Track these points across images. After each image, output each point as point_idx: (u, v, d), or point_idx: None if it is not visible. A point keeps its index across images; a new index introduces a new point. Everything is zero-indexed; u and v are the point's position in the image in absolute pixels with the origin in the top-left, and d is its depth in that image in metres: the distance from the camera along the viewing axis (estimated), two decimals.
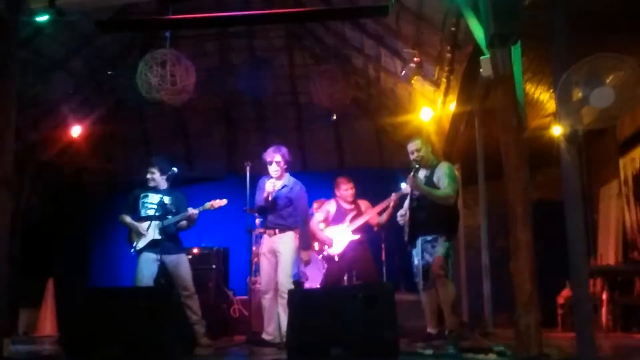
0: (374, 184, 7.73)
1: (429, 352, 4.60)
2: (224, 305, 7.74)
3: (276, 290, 5.70)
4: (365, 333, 4.06)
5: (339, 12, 7.35)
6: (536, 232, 4.01)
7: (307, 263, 6.25)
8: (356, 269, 6.98)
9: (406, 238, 5.77)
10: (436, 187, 5.57)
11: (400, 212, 5.95)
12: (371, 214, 6.79)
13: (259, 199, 5.94)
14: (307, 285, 7.49)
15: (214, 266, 7.73)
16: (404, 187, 6.12)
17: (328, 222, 6.92)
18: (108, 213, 9.28)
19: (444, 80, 7.07)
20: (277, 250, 5.76)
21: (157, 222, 5.97)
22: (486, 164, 7.35)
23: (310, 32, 9.18)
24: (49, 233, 9.58)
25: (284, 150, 5.92)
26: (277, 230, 5.83)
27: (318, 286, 7.33)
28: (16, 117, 5.06)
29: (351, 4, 7.48)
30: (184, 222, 6.06)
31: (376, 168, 10.18)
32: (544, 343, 3.97)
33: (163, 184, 6.19)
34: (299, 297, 4.63)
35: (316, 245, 7.66)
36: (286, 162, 5.89)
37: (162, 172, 6.15)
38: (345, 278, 7.16)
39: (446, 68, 6.79)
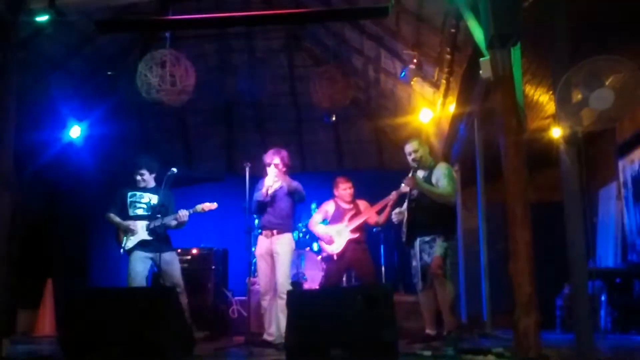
0: (373, 185, 7.74)
1: (428, 353, 4.60)
2: (223, 306, 7.75)
3: (275, 291, 5.70)
4: (364, 334, 4.06)
5: (338, 13, 7.35)
6: (535, 233, 4.01)
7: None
8: (355, 270, 6.99)
9: (404, 239, 5.77)
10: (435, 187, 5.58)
11: (397, 209, 5.95)
12: (370, 213, 6.80)
13: (257, 196, 5.94)
14: (306, 286, 7.49)
15: (213, 267, 7.73)
16: (404, 186, 6.12)
17: (327, 221, 6.93)
18: (105, 212, 9.29)
19: (444, 81, 7.07)
20: (275, 252, 5.77)
21: (146, 221, 6.03)
22: (485, 165, 7.36)
23: (310, 33, 9.18)
24: (48, 233, 9.57)
25: (284, 153, 5.93)
26: (274, 232, 5.84)
27: (317, 287, 7.33)
28: (16, 117, 5.06)
29: (351, 5, 7.48)
30: (173, 222, 6.08)
31: (375, 169, 10.19)
32: (543, 344, 3.97)
33: (151, 183, 6.25)
34: (297, 298, 4.63)
35: (315, 246, 7.68)
36: (285, 165, 5.89)
37: (151, 172, 6.23)
38: (344, 279, 7.17)
39: (446, 69, 6.79)
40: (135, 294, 5.02)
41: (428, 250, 5.48)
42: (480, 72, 4.50)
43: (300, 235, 7.87)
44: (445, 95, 7.28)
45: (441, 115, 7.81)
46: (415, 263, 5.61)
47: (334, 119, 8.91)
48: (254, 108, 10.25)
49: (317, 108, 8.46)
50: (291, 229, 5.98)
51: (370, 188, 7.49)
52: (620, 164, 7.78)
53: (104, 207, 6.43)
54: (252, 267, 7.18)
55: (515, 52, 4.40)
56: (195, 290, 7.28)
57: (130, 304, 4.53)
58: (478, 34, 4.50)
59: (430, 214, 5.50)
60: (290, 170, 6.08)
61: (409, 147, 5.73)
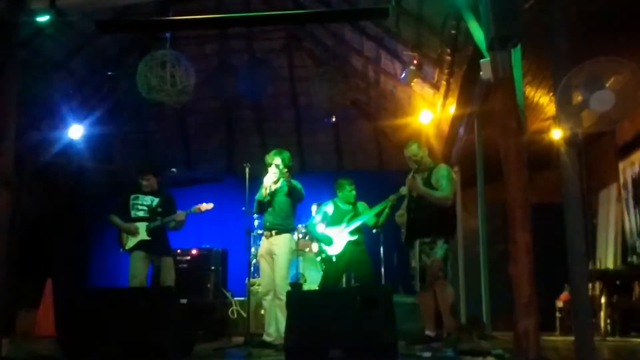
0: (373, 186, 7.74)
1: (428, 354, 4.60)
2: (223, 306, 7.74)
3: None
4: (363, 335, 4.05)
5: (338, 14, 7.35)
6: (535, 235, 4.01)
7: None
8: (354, 271, 6.98)
9: (404, 240, 5.77)
10: (434, 189, 5.58)
11: (399, 212, 5.95)
12: (369, 216, 6.79)
13: (257, 196, 5.94)
14: (305, 286, 7.49)
15: (212, 267, 7.73)
16: (403, 188, 6.13)
17: (326, 223, 6.92)
18: (107, 214, 9.29)
19: (444, 82, 7.08)
20: (273, 252, 5.77)
21: (146, 223, 6.17)
22: (485, 166, 7.36)
23: (310, 33, 9.18)
24: (48, 233, 9.58)
25: (286, 154, 5.93)
26: (274, 232, 5.84)
27: (316, 288, 7.33)
28: (16, 117, 5.06)
29: (351, 5, 7.48)
30: (171, 223, 6.22)
31: (375, 170, 10.19)
32: (543, 346, 3.97)
33: (155, 186, 6.37)
34: (297, 299, 4.62)
35: (314, 247, 7.67)
36: (286, 166, 5.88)
37: (156, 175, 6.35)
38: (343, 280, 7.17)
39: (446, 70, 6.80)
40: (135, 294, 5.02)
41: (428, 252, 5.47)
42: (481, 73, 4.49)
43: (300, 236, 7.87)
44: (445, 97, 7.28)
45: (441, 116, 7.81)
46: (414, 264, 5.60)
47: (333, 119, 8.92)
48: (253, 109, 10.26)
49: (317, 109, 8.46)
50: (290, 230, 5.98)
51: (370, 189, 7.49)
52: (621, 165, 7.77)
53: (104, 207, 6.46)
54: (252, 268, 7.19)
55: (516, 54, 4.39)
56: (194, 291, 7.29)
57: (130, 304, 4.53)
58: (478, 35, 4.49)
59: (431, 216, 5.50)
60: (291, 171, 6.07)
61: (407, 152, 5.74)
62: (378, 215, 6.77)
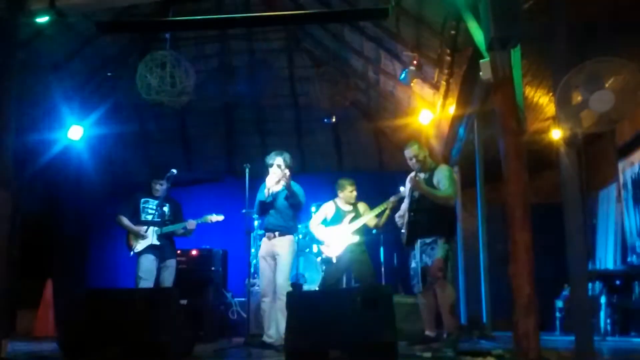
0: (373, 186, 7.74)
1: (428, 354, 4.60)
2: (222, 307, 7.74)
3: (275, 293, 5.70)
4: (363, 336, 4.05)
5: (338, 15, 7.34)
6: (535, 235, 4.01)
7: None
8: (354, 272, 6.98)
9: (404, 240, 5.77)
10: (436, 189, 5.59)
11: (399, 212, 5.95)
12: (369, 216, 6.79)
13: (260, 197, 5.93)
14: (305, 287, 7.49)
15: (212, 268, 7.73)
16: (402, 190, 6.14)
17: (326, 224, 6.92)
18: (107, 214, 9.27)
19: (444, 83, 7.08)
20: (276, 253, 5.76)
21: (156, 227, 6.36)
22: (485, 166, 7.36)
23: (310, 34, 9.18)
24: (48, 233, 9.57)
25: (287, 155, 5.93)
26: (277, 233, 5.84)
27: (316, 288, 7.33)
28: (16, 117, 5.06)
29: (351, 6, 7.48)
30: (181, 230, 6.48)
31: (375, 170, 10.19)
32: (543, 346, 3.97)
33: (164, 192, 6.53)
34: (297, 300, 4.62)
35: (314, 248, 7.68)
36: (287, 167, 5.87)
37: (168, 182, 6.49)
38: (343, 280, 7.17)
39: (446, 71, 6.80)
40: (135, 294, 5.02)
41: (429, 252, 5.47)
42: (480, 73, 4.50)
43: (300, 236, 7.87)
44: (445, 97, 7.29)
45: (441, 116, 7.82)
46: (414, 264, 5.60)
47: (333, 120, 8.92)
48: (253, 109, 10.26)
49: (317, 109, 8.46)
50: (293, 231, 5.98)
51: (370, 189, 7.49)
52: (620, 165, 7.78)
53: (104, 207, 6.48)
54: (252, 269, 7.19)
55: (515, 54, 4.40)
56: (195, 291, 7.29)
57: (130, 304, 4.53)
58: (478, 35, 4.50)
59: (432, 216, 5.50)
60: (292, 172, 6.06)
61: (408, 152, 5.73)
62: (378, 216, 6.77)
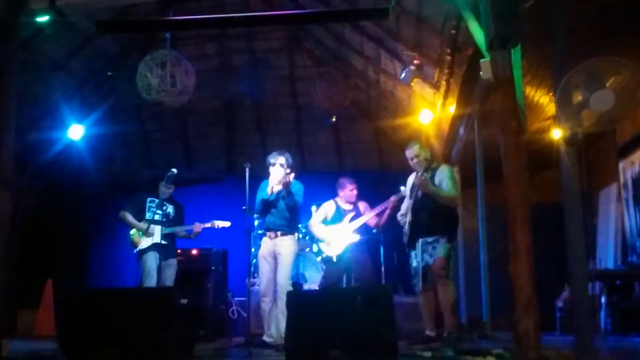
0: (374, 186, 7.74)
1: (428, 354, 4.60)
2: (223, 307, 7.74)
3: (275, 293, 5.70)
4: (363, 335, 4.05)
5: (338, 14, 7.35)
6: (535, 234, 4.01)
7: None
8: (354, 271, 6.98)
9: (406, 239, 5.77)
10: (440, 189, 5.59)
11: (401, 211, 5.95)
12: (370, 216, 6.79)
13: (263, 195, 5.91)
14: (305, 287, 7.49)
15: (212, 267, 7.72)
16: (403, 189, 6.14)
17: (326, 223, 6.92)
18: (107, 214, 9.29)
19: (444, 82, 7.07)
20: (278, 253, 5.75)
21: (162, 227, 6.49)
22: (485, 166, 7.36)
23: (310, 34, 9.18)
24: (48, 233, 9.57)
25: (288, 155, 5.93)
26: (279, 233, 5.82)
27: (316, 288, 7.33)
28: (16, 117, 5.06)
29: (351, 5, 7.48)
30: (184, 232, 6.63)
31: (375, 170, 10.18)
32: (543, 346, 3.97)
33: (169, 195, 6.68)
34: (297, 299, 4.62)
35: (315, 247, 7.67)
36: (289, 166, 5.87)
37: (175, 187, 6.66)
38: (343, 280, 7.16)
39: (446, 70, 6.80)
40: (135, 294, 5.01)
41: (430, 251, 5.47)
42: (481, 73, 4.50)
43: (300, 236, 7.87)
44: (446, 97, 7.28)
45: (441, 116, 7.81)
46: (415, 264, 5.60)
47: (334, 119, 8.92)
48: (254, 109, 10.26)
49: (317, 109, 8.46)
50: (295, 231, 5.99)
51: (371, 189, 7.50)
52: (621, 165, 7.78)
53: (103, 208, 6.49)
54: (252, 268, 7.18)
55: (516, 53, 4.40)
56: (195, 291, 7.29)
57: (130, 304, 4.52)
58: (478, 35, 4.50)
59: (434, 215, 5.50)
60: (293, 171, 6.05)
61: (410, 152, 5.73)
62: (379, 215, 6.77)
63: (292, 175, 5.70)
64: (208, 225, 6.57)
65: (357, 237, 6.75)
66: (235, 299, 7.85)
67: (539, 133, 7.40)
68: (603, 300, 6.93)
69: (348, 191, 6.87)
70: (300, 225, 7.74)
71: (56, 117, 8.53)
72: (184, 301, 6.72)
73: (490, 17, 4.14)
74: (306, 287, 7.57)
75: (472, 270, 7.67)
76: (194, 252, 7.72)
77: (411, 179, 5.89)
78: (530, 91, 7.02)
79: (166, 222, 6.55)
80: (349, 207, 6.89)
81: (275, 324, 5.64)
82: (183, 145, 10.64)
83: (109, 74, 8.42)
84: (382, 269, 7.65)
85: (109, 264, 9.72)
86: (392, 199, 6.48)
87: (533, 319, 3.89)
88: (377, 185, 7.80)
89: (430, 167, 5.70)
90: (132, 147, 10.41)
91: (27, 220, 8.64)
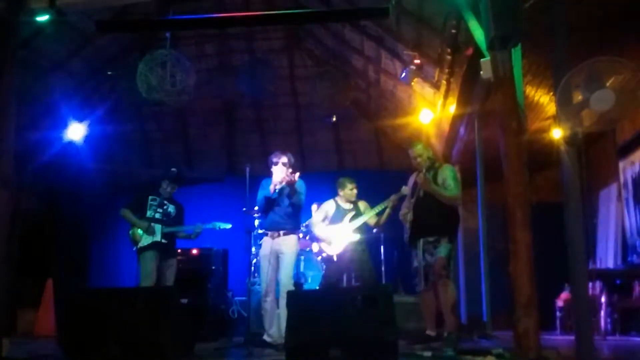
0: (374, 186, 7.73)
1: (428, 354, 4.60)
2: (223, 306, 7.74)
3: (277, 292, 5.69)
4: (364, 334, 4.05)
5: (338, 14, 7.35)
6: (535, 234, 4.01)
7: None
8: (355, 270, 6.98)
9: (406, 239, 5.76)
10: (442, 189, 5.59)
11: (403, 210, 5.94)
12: (370, 215, 6.79)
13: (265, 192, 5.89)
14: (306, 286, 7.48)
15: (213, 267, 7.72)
16: (405, 189, 6.13)
17: (327, 222, 6.92)
18: (107, 213, 9.29)
19: (444, 82, 7.08)
20: (280, 252, 5.74)
21: (163, 226, 6.46)
22: (485, 166, 7.36)
23: (310, 33, 9.18)
24: (48, 233, 9.57)
25: (289, 154, 5.93)
26: (281, 232, 5.80)
27: (317, 287, 7.33)
28: (16, 117, 5.06)
29: (351, 5, 7.48)
30: (185, 232, 6.61)
31: (375, 170, 10.19)
32: (543, 345, 3.97)
33: (171, 194, 6.70)
34: (297, 299, 4.62)
35: (315, 247, 7.67)
36: (291, 165, 5.86)
37: (178, 186, 6.69)
38: (344, 279, 7.16)
39: (446, 70, 6.80)
40: (135, 294, 5.01)
41: (431, 251, 5.47)
42: (481, 72, 4.50)
43: (300, 235, 7.87)
44: (446, 96, 7.28)
45: (441, 116, 7.81)
46: (416, 263, 5.60)
47: (334, 119, 8.91)
48: (254, 108, 10.27)
49: (317, 108, 8.46)
50: (297, 230, 5.97)
51: (371, 188, 7.48)
52: (621, 165, 7.78)
53: (103, 208, 6.49)
54: (252, 268, 7.19)
55: (516, 53, 4.40)
56: (195, 291, 7.29)
57: (130, 304, 4.52)
58: (479, 34, 4.50)
59: (435, 215, 5.50)
60: (295, 171, 6.05)
61: (413, 152, 5.74)
62: (379, 214, 6.77)
63: (298, 174, 5.69)
64: (209, 226, 6.57)
65: (357, 237, 6.75)
66: (236, 298, 7.85)
67: (539, 133, 7.40)
68: (603, 300, 6.93)
69: (348, 190, 6.86)
70: (301, 225, 7.74)
71: (56, 116, 8.53)
72: (184, 301, 6.71)
73: (491, 17, 4.14)
74: (306, 286, 7.57)
75: (472, 270, 7.67)
76: (195, 252, 7.72)
77: (413, 179, 5.89)
78: (530, 91, 7.02)
79: (167, 221, 6.54)
80: (349, 206, 6.88)
81: (277, 323, 5.63)
82: (183, 145, 10.65)
83: (109, 73, 8.42)
84: (382, 268, 7.65)
85: (109, 264, 9.73)
86: (392, 198, 6.48)
87: (533, 318, 3.90)
88: (377, 185, 7.79)
89: (432, 167, 5.70)
90: (132, 147, 10.41)
91: (27, 220, 8.64)
